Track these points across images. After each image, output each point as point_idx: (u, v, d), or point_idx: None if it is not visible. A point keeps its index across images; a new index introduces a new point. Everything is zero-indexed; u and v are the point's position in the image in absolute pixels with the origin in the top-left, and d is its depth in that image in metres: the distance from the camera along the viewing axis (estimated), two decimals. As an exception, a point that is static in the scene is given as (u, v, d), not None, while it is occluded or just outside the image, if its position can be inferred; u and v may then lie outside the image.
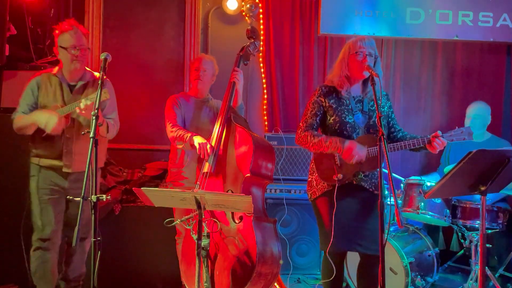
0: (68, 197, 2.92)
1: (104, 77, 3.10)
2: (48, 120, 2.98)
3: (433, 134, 2.72)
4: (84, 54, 3.11)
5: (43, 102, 3.11)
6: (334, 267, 2.81)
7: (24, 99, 3.13)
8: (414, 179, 3.80)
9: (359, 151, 2.71)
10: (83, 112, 2.88)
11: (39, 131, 3.04)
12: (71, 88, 3.15)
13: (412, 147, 2.76)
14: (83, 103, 2.87)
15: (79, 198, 2.37)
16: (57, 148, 3.09)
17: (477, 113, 4.04)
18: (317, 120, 2.90)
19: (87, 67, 3.26)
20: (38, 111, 3.06)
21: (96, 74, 3.21)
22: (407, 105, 4.73)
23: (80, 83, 3.16)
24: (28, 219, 3.37)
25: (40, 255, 3.10)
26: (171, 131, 3.35)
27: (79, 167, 3.10)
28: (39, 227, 3.10)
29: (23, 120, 3.08)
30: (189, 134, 3.25)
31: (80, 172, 3.09)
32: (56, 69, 3.17)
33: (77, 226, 2.32)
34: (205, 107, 3.55)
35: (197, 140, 3.17)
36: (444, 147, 2.76)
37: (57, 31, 3.10)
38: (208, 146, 3.11)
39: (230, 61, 3.46)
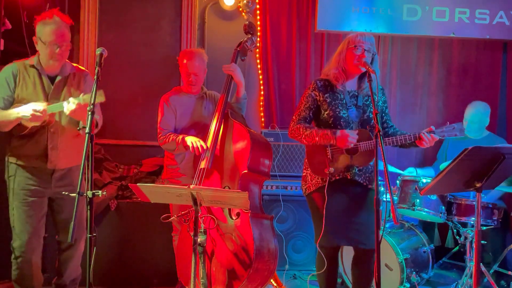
0: (64, 192, 2.85)
1: (98, 73, 3.00)
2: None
3: (426, 129, 2.70)
4: (65, 51, 2.86)
5: (22, 95, 2.85)
6: (325, 261, 2.82)
7: None
8: (409, 175, 3.81)
9: (353, 135, 2.71)
10: (75, 112, 2.66)
11: (21, 128, 2.82)
12: (52, 80, 2.92)
13: (402, 143, 2.75)
14: (73, 103, 2.64)
15: (74, 194, 2.34)
16: (41, 144, 2.88)
17: (474, 118, 4.03)
18: (310, 114, 2.91)
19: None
20: (23, 107, 2.75)
21: (79, 66, 3.04)
22: (403, 102, 4.74)
23: (61, 76, 2.93)
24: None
25: (21, 265, 2.92)
26: (160, 138, 3.33)
27: (64, 164, 2.94)
28: (17, 233, 2.90)
29: (1, 115, 2.80)
30: (180, 137, 3.24)
31: (66, 169, 2.97)
32: (33, 59, 2.91)
33: (72, 221, 2.28)
34: (201, 102, 3.53)
35: (189, 139, 3.17)
36: (442, 143, 2.76)
37: (37, 20, 2.84)
38: (200, 143, 3.11)
39: (227, 57, 3.45)
